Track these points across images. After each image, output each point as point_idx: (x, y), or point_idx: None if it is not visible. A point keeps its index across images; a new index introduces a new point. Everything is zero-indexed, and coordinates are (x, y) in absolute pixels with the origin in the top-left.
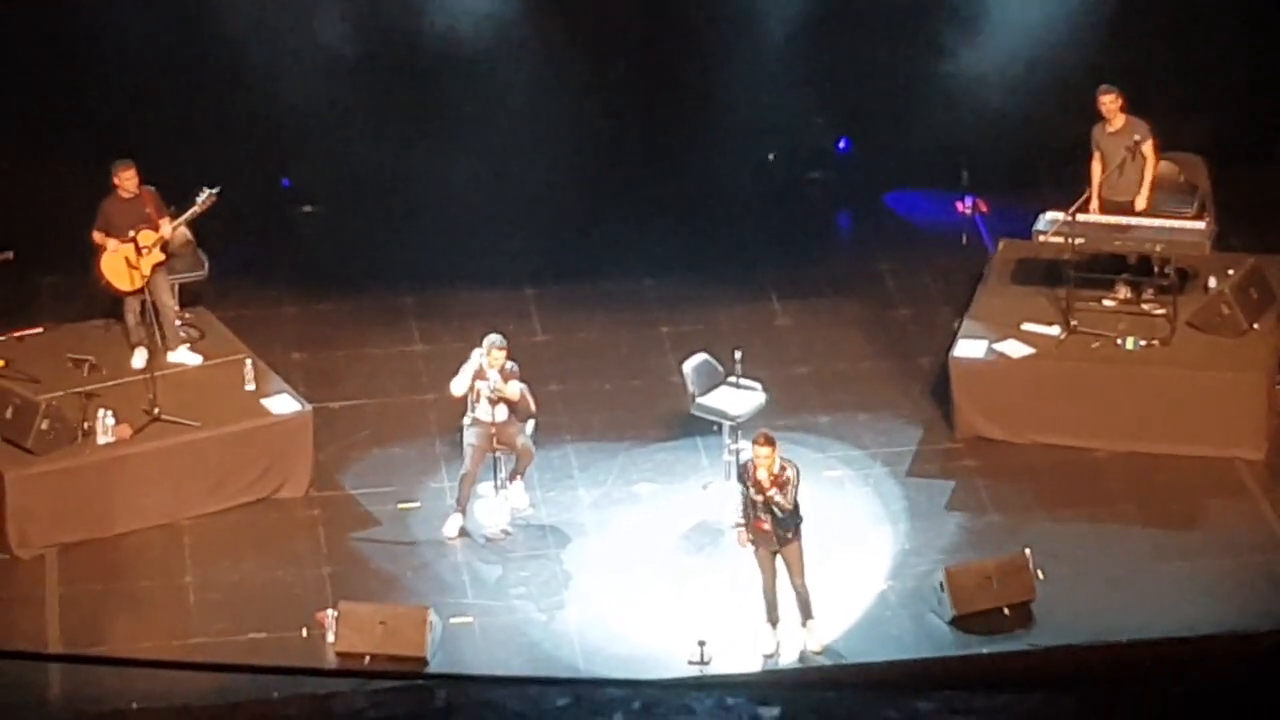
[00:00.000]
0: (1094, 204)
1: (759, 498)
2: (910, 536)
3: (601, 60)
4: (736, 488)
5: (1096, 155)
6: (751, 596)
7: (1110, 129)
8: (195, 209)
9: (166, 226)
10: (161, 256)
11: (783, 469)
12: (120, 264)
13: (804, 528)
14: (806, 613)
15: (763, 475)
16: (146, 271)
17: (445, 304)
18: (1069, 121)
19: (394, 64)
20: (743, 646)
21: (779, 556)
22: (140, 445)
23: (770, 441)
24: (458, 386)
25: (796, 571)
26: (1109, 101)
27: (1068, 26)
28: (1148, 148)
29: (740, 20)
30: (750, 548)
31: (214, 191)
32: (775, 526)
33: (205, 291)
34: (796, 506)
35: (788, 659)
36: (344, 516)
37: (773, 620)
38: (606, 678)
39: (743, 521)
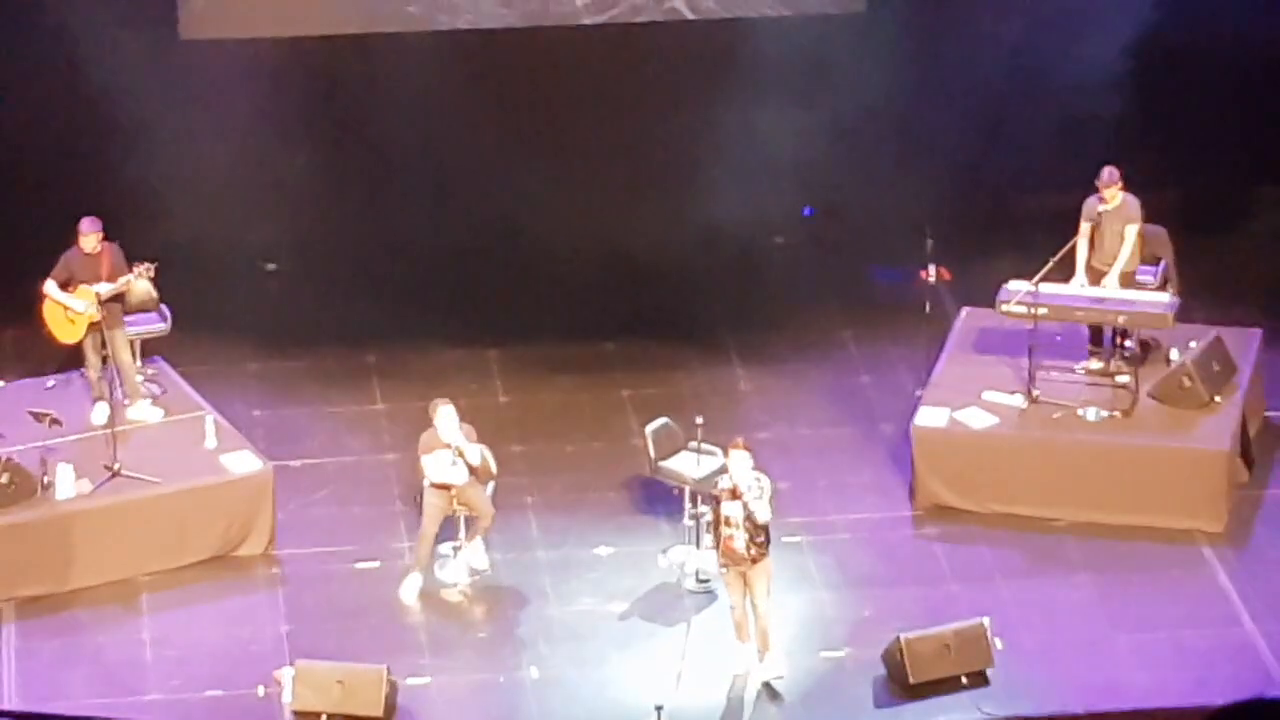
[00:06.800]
0: (1078, 274)
1: (733, 512)
2: (869, 604)
3: (563, 125)
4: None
5: (1085, 228)
6: (709, 663)
7: (1105, 206)
8: (124, 282)
9: (103, 286)
10: (97, 317)
11: (758, 479)
12: (59, 314)
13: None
14: (765, 644)
15: (744, 480)
16: (82, 329)
17: (408, 364)
18: (1033, 191)
19: (356, 122)
20: (700, 713)
21: (745, 577)
22: (100, 500)
23: (749, 446)
24: (434, 471)
25: (761, 591)
26: (1106, 179)
27: (1033, 96)
28: (1131, 230)
29: (702, 84)
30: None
31: (152, 265)
32: (747, 542)
33: (167, 347)
34: (766, 522)
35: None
36: (303, 575)
37: (743, 638)
38: None
39: (713, 545)
